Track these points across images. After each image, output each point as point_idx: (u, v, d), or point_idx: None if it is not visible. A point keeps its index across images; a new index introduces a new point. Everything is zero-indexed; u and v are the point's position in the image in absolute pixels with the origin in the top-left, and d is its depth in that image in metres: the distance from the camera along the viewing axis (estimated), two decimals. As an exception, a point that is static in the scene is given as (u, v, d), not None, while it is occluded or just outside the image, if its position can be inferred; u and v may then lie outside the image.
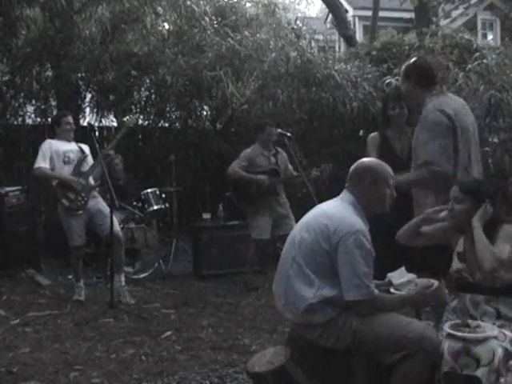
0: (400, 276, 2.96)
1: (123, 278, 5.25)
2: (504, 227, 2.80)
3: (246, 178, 5.64)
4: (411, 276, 2.95)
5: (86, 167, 5.26)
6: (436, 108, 3.57)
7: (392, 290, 2.88)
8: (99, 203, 5.28)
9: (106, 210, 5.18)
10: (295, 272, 2.70)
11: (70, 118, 5.42)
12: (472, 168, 3.56)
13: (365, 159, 2.95)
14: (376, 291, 2.66)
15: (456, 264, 2.90)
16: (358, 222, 2.66)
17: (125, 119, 5.89)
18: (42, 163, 5.14)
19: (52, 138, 5.39)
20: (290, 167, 5.88)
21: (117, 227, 5.15)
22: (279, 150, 5.82)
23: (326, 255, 2.64)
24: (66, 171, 5.20)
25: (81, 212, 5.16)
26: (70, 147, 5.28)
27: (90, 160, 5.33)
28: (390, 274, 2.97)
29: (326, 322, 2.64)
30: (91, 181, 5.27)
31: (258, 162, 5.71)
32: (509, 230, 2.78)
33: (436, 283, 2.81)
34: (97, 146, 5.17)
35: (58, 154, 5.19)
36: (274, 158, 5.77)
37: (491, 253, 2.70)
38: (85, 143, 5.49)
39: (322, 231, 2.66)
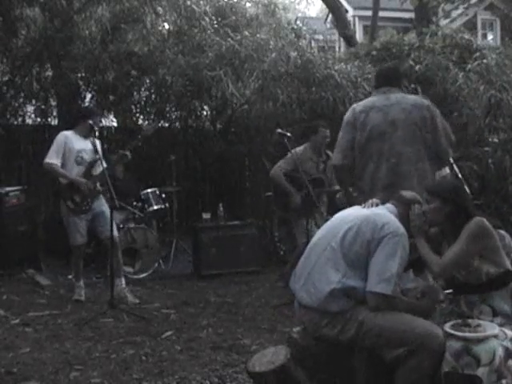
0: (407, 280, 2.97)
1: (124, 281, 5.25)
2: (466, 225, 2.81)
3: (284, 188, 5.46)
4: (418, 281, 2.96)
5: (97, 170, 5.15)
6: (352, 106, 3.95)
7: None
8: (103, 205, 5.21)
9: (109, 213, 5.14)
10: (327, 255, 2.76)
11: (98, 119, 5.42)
12: (379, 167, 3.69)
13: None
14: None
15: None
16: (403, 228, 2.75)
17: (144, 127, 6.03)
18: (54, 159, 5.03)
19: (70, 128, 5.26)
20: None
21: (115, 232, 5.03)
22: (330, 155, 5.24)
23: (364, 245, 2.70)
24: (76, 172, 5.11)
25: (84, 215, 5.14)
26: (85, 145, 5.13)
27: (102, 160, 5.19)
28: None
29: (337, 313, 2.68)
30: (98, 185, 5.17)
31: (305, 168, 5.38)
32: (469, 227, 2.80)
33: (440, 289, 2.83)
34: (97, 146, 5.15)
35: (71, 151, 5.08)
36: (323, 164, 5.56)
37: (433, 262, 2.79)
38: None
39: (368, 223, 2.74)
